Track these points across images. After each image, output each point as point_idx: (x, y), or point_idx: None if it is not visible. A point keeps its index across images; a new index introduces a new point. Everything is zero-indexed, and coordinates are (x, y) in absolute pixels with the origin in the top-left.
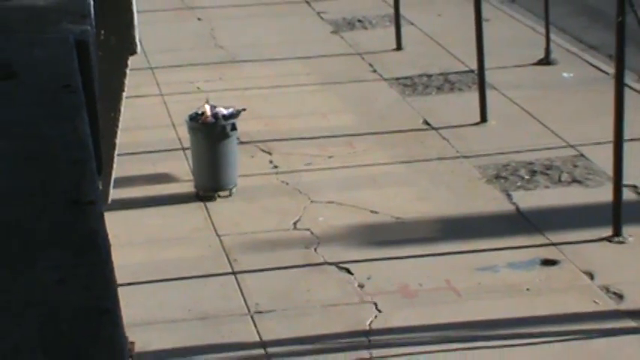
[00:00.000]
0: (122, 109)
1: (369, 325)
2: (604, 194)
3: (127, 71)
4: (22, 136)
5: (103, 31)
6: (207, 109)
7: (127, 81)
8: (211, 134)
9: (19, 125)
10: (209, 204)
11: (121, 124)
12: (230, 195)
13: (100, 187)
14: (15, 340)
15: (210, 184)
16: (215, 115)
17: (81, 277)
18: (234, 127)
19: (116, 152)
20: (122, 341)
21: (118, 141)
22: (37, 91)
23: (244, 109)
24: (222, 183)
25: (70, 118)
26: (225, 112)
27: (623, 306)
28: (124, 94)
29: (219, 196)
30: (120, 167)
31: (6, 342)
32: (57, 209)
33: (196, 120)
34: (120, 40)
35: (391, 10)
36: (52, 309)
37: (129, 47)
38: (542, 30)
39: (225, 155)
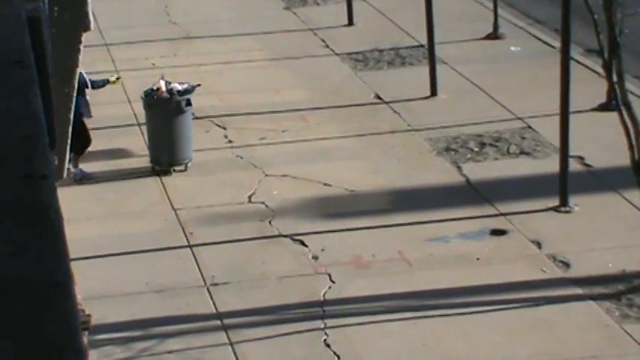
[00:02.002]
0: (76, 84)
1: (323, 295)
2: (551, 165)
3: (81, 47)
4: None
5: (56, 8)
6: (162, 84)
7: (81, 57)
8: (166, 110)
9: None
10: (165, 178)
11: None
12: (185, 169)
13: (56, 162)
14: None
15: (166, 158)
16: (170, 91)
17: (34, 251)
18: (189, 103)
19: (70, 127)
20: (75, 314)
21: (72, 116)
22: None
23: (199, 85)
24: (178, 157)
25: (22, 94)
26: (180, 87)
27: (570, 274)
28: (78, 70)
29: (174, 171)
30: None
31: None
32: (9, 183)
33: (152, 96)
34: (73, 17)
35: None
36: (5, 282)
37: (83, 24)
38: (491, 5)
39: (180, 130)
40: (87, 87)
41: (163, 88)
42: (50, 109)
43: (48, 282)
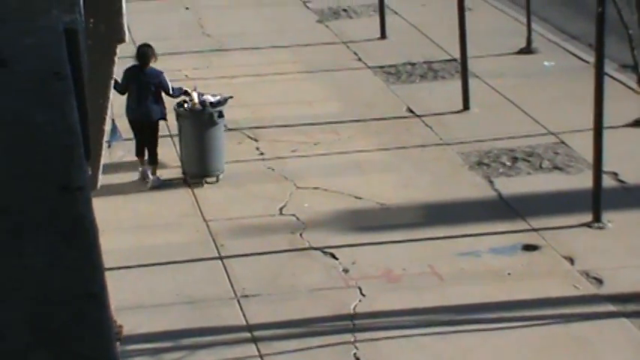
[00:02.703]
0: (110, 96)
1: (354, 309)
2: (584, 181)
3: (116, 59)
4: (12, 122)
5: (92, 20)
6: (195, 96)
7: (115, 69)
8: (199, 121)
9: (9, 112)
10: (196, 190)
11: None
12: (217, 181)
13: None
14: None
15: (198, 170)
16: (202, 103)
17: (69, 262)
18: (221, 115)
19: (105, 139)
20: (109, 325)
21: (106, 127)
22: (26, 79)
23: (231, 97)
24: (210, 169)
25: (59, 105)
26: (212, 99)
27: (603, 290)
28: (112, 82)
29: (206, 182)
30: (108, 153)
31: None
32: (46, 195)
33: (184, 107)
34: (109, 29)
35: (375, 0)
36: (41, 292)
37: (117, 35)
38: (524, 19)
39: (212, 142)
40: (167, 93)
41: (196, 100)
42: (85, 121)
43: (83, 293)
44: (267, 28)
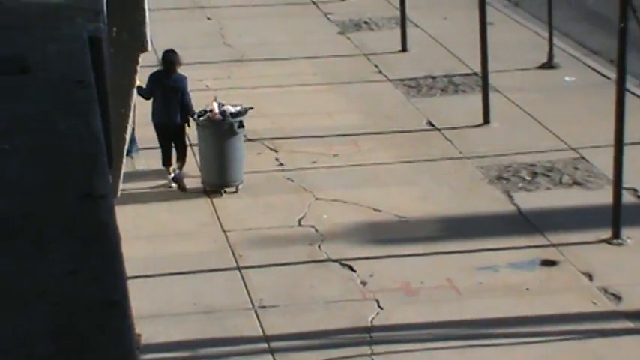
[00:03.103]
0: (132, 105)
1: (371, 321)
2: (604, 197)
3: (138, 68)
4: (35, 129)
5: (115, 29)
6: (215, 106)
7: (137, 77)
8: (219, 131)
9: (33, 119)
10: (215, 200)
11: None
12: (236, 191)
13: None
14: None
15: (217, 180)
16: (222, 113)
17: (91, 269)
18: (241, 125)
19: (126, 147)
20: (131, 333)
21: (127, 136)
22: (50, 86)
23: (251, 108)
24: (229, 179)
25: (83, 113)
26: (232, 109)
27: (621, 307)
28: (135, 90)
29: (225, 192)
30: (129, 162)
31: (17, 330)
32: (69, 202)
33: (204, 117)
34: (131, 38)
35: (397, 13)
36: (63, 299)
37: (140, 44)
38: (546, 34)
39: (232, 152)
40: (186, 106)
41: (216, 110)
42: (108, 129)
43: (105, 301)
44: (289, 39)
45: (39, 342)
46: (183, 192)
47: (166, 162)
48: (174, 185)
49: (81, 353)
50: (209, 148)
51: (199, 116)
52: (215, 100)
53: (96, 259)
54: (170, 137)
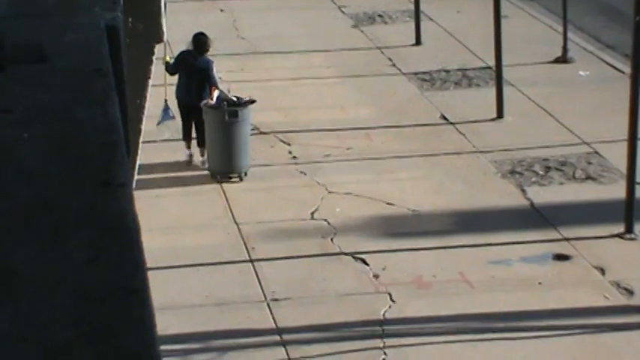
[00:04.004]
0: (147, 95)
1: (383, 314)
2: (617, 191)
3: (154, 59)
4: (53, 118)
5: (130, 19)
6: (215, 94)
7: (153, 68)
8: (217, 119)
9: (51, 108)
10: (228, 192)
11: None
12: (241, 180)
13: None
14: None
15: (220, 166)
16: (218, 99)
17: (111, 257)
18: (234, 114)
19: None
20: (151, 322)
21: (143, 127)
22: (68, 75)
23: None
24: (231, 166)
25: (101, 102)
26: (234, 99)
27: (634, 301)
28: (150, 82)
29: (230, 179)
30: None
31: (37, 318)
32: (88, 190)
33: (204, 104)
34: (147, 29)
35: (411, 6)
36: (83, 287)
37: (156, 35)
38: (560, 28)
39: (232, 140)
40: (212, 85)
41: (214, 97)
42: (126, 119)
43: (125, 289)
44: (302, 31)
45: (59, 329)
46: (188, 165)
47: (185, 136)
48: (200, 160)
49: (102, 341)
50: (212, 134)
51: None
52: (229, 92)
53: (115, 247)
54: (190, 115)
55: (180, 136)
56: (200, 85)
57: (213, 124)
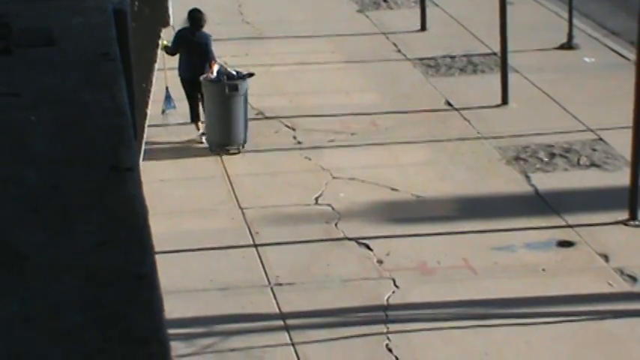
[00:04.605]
0: (153, 80)
1: (387, 300)
2: (621, 178)
3: (160, 42)
4: (62, 102)
5: (137, 3)
6: (215, 68)
7: (159, 52)
8: (216, 92)
9: (59, 91)
10: (233, 177)
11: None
12: (239, 152)
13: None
14: (55, 299)
15: (219, 139)
16: (218, 74)
17: (119, 242)
18: (234, 88)
19: (147, 122)
20: (160, 306)
21: (149, 111)
22: (76, 58)
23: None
24: (229, 139)
25: (109, 86)
26: (233, 73)
27: (637, 288)
28: (156, 66)
29: (228, 152)
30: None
31: (47, 301)
32: (96, 174)
33: (203, 78)
34: (153, 12)
35: None
36: (91, 272)
37: (162, 19)
38: (566, 14)
39: (230, 113)
40: (210, 61)
41: (214, 71)
42: (133, 102)
43: (133, 273)
44: (307, 16)
45: (69, 313)
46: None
47: (194, 117)
48: (204, 139)
49: (110, 324)
50: (211, 107)
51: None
52: (225, 64)
53: (123, 231)
54: (194, 92)
55: (184, 121)
56: (202, 60)
57: (213, 97)
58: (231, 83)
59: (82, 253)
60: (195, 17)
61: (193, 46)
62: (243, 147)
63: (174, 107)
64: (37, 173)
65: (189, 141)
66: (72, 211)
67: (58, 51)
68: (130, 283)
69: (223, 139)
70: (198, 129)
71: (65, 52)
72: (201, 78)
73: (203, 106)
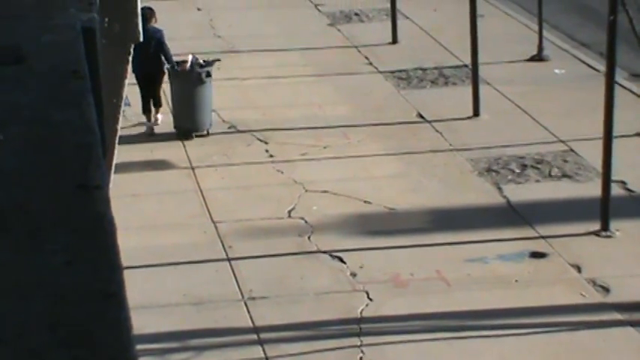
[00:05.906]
0: (124, 95)
1: (361, 313)
2: (593, 189)
3: (130, 59)
4: (29, 120)
5: (107, 19)
6: (190, 58)
7: (129, 68)
8: (190, 80)
9: (27, 109)
10: (205, 191)
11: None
12: (207, 134)
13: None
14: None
15: (189, 124)
16: (192, 64)
17: (87, 261)
18: (209, 74)
19: (117, 138)
20: (128, 325)
21: (119, 127)
22: (44, 76)
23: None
24: (199, 124)
25: (77, 104)
26: (202, 62)
27: (610, 299)
28: (126, 82)
29: (195, 136)
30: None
31: (14, 321)
32: (64, 193)
33: (175, 69)
34: (124, 28)
35: (387, 4)
36: (59, 291)
37: (132, 35)
38: (536, 27)
39: (201, 99)
40: (165, 56)
41: (189, 63)
42: (102, 120)
43: (101, 292)
44: (279, 30)
45: (36, 333)
46: (151, 136)
47: (146, 110)
48: (157, 118)
49: (78, 344)
50: (180, 96)
51: (172, 67)
52: (192, 54)
53: (92, 250)
54: (148, 85)
55: (147, 133)
56: (154, 53)
57: (185, 85)
58: (207, 70)
59: (50, 272)
60: (142, 14)
61: (145, 41)
62: (208, 132)
63: (129, 104)
64: (4, 191)
65: (161, 155)
66: (40, 230)
67: (27, 69)
68: (98, 301)
69: (194, 125)
70: (149, 120)
71: (33, 70)
72: (177, 69)
73: (154, 96)
